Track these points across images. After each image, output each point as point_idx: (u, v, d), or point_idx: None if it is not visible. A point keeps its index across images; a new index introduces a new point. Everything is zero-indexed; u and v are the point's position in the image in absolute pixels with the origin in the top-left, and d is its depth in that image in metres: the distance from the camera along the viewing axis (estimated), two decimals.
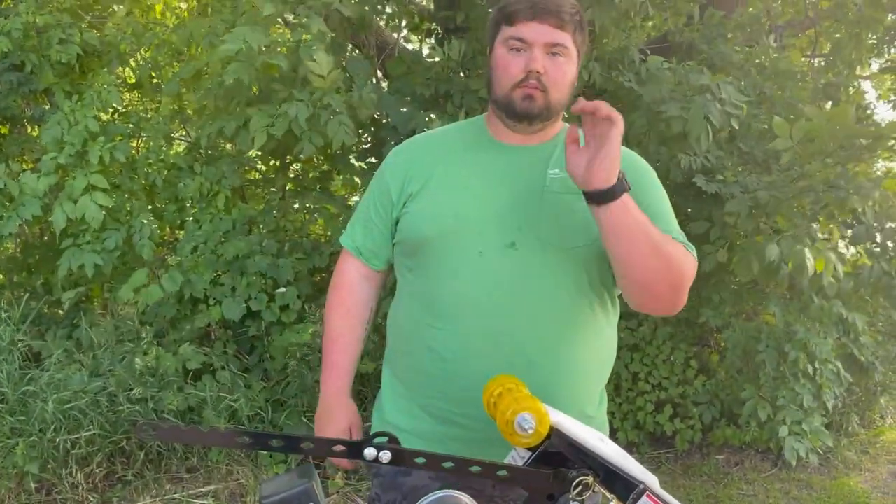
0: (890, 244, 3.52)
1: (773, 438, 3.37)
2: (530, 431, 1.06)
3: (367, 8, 3.84)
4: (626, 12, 3.13)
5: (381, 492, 1.49)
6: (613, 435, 3.81)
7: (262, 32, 2.87)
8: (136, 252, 3.74)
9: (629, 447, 3.82)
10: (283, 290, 3.64)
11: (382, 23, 5.24)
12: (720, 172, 3.44)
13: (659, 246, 1.30)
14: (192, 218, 3.94)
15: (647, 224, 1.28)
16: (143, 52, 4.53)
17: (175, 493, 3.41)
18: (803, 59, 4.39)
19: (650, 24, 4.58)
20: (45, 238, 4.45)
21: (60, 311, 4.21)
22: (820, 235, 3.22)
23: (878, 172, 3.92)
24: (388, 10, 4.08)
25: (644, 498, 1.09)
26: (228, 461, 3.51)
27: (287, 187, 4.44)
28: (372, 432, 1.54)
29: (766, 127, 3.76)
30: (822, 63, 4.36)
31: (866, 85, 5.03)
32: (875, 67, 5.00)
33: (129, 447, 3.46)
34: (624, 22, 3.30)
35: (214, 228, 3.82)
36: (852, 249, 3.53)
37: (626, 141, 3.24)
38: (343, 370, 1.60)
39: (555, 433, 1.11)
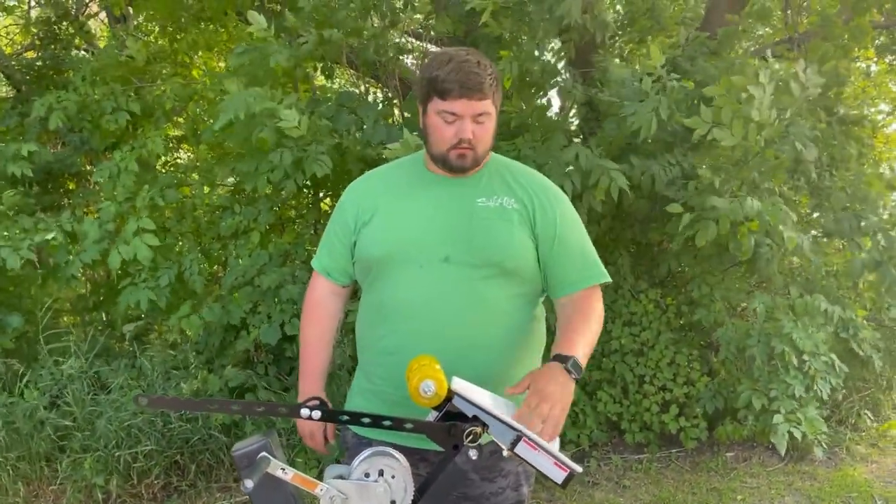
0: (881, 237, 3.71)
1: (769, 428, 3.53)
2: (430, 394, 1.39)
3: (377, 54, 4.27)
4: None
5: (348, 461, 1.83)
6: (621, 436, 4.04)
7: (253, 101, 3.42)
8: (189, 287, 4.22)
9: (638, 448, 4.04)
10: None
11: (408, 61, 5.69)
12: (694, 178, 3.67)
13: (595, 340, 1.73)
14: (234, 254, 4.40)
15: (590, 341, 1.70)
16: (188, 110, 5.07)
17: (224, 501, 3.80)
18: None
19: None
20: (110, 278, 4.99)
21: (125, 344, 4.71)
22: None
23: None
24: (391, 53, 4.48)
25: (521, 443, 1.40)
26: None
27: (318, 221, 4.86)
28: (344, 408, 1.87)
29: None
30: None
31: None
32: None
33: (182, 461, 3.88)
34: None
35: (253, 262, 4.25)
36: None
37: (605, 150, 3.52)
38: (316, 373, 1.89)
39: (456, 398, 1.44)
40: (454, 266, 1.69)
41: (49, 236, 3.94)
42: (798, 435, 3.47)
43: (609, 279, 1.82)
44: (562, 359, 1.58)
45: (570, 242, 1.77)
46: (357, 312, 1.90)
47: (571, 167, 3.35)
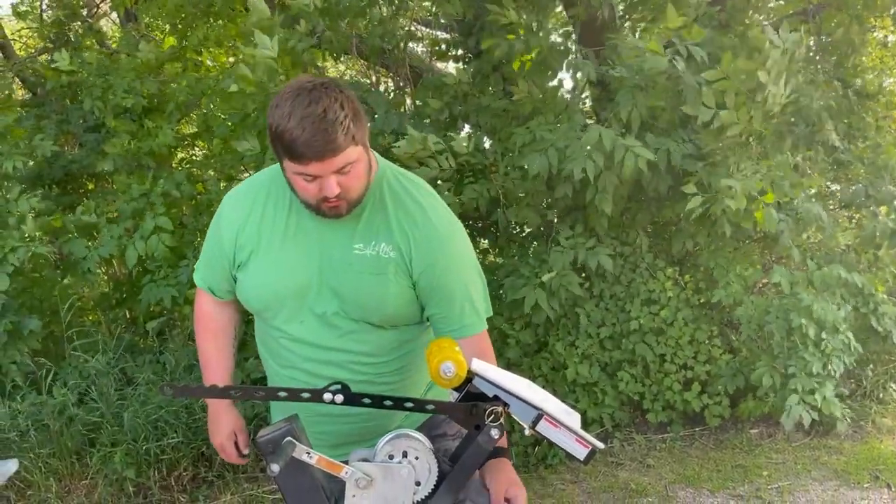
0: None
1: (784, 406, 3.50)
2: (450, 375, 1.40)
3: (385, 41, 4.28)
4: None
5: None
6: (644, 416, 4.04)
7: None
8: None
9: (661, 427, 4.04)
10: None
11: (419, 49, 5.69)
12: (708, 156, 3.64)
13: None
14: None
15: None
16: (201, 105, 5.10)
17: (252, 491, 3.85)
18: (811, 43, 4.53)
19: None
20: (132, 276, 5.05)
21: (149, 340, 4.77)
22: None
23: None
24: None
25: (542, 421, 1.41)
26: None
27: None
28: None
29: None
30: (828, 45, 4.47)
31: None
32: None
33: (208, 452, 3.92)
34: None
35: None
36: None
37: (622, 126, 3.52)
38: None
39: (476, 378, 1.45)
40: (333, 321, 1.64)
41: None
42: (807, 420, 3.44)
43: (485, 325, 1.72)
44: (501, 452, 1.57)
45: (450, 292, 1.65)
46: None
47: (590, 148, 3.33)
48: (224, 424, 1.89)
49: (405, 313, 1.67)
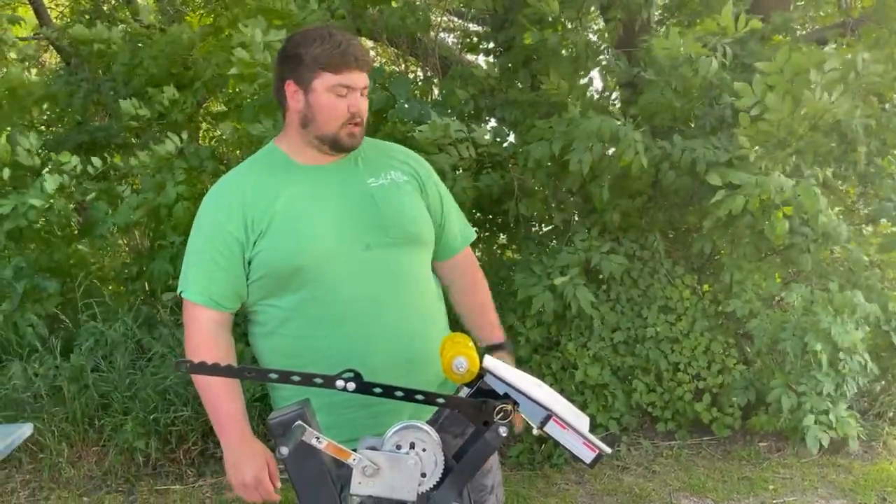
0: None
1: (799, 426, 3.46)
2: (463, 371, 1.40)
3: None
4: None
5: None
6: (653, 423, 4.02)
7: None
8: None
9: (669, 434, 4.02)
10: None
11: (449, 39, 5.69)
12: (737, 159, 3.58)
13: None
14: None
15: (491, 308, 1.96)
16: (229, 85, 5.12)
17: None
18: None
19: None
20: (152, 248, 5.10)
21: (166, 313, 4.81)
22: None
23: None
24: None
25: (551, 422, 1.41)
26: None
27: None
28: None
29: None
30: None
31: None
32: None
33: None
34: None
35: None
36: None
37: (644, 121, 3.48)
38: (238, 417, 1.67)
39: (487, 376, 1.45)
40: (376, 251, 1.69)
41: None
42: (826, 441, 3.42)
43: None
44: (500, 346, 1.88)
45: (451, 204, 1.90)
46: (258, 325, 1.76)
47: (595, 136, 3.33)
48: (254, 462, 1.67)
49: (431, 230, 1.81)
